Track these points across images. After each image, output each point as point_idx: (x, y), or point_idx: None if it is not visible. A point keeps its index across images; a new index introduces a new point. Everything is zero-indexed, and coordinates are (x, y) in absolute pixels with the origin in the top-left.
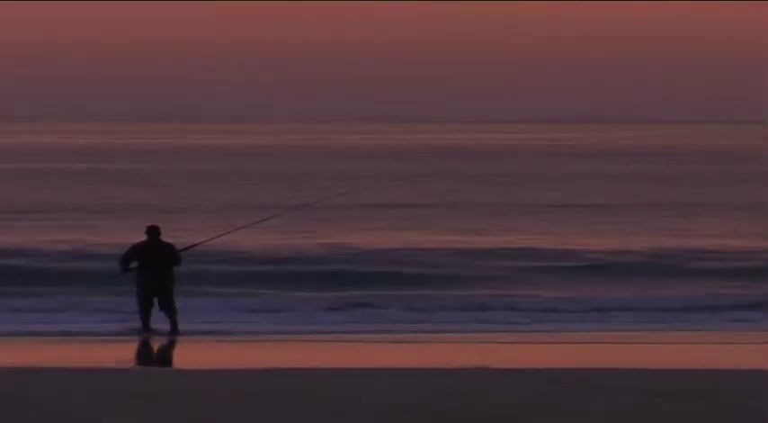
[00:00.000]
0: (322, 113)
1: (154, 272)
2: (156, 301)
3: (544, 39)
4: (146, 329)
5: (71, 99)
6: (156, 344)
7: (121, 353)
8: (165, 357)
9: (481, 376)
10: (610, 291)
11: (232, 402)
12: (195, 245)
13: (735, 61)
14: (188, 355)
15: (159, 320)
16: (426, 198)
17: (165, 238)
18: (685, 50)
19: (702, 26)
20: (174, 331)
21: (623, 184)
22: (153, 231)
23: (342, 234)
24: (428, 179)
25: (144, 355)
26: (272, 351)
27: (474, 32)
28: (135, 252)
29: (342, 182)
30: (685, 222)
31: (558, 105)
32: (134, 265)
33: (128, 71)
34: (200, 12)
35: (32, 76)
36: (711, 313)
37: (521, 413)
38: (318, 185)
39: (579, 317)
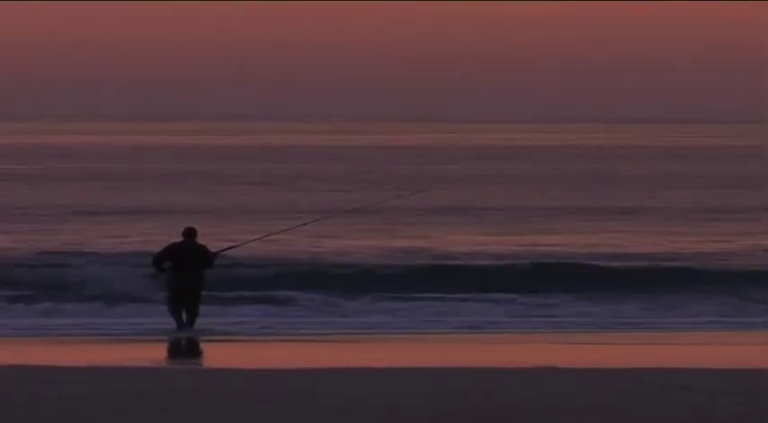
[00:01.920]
0: (322, 114)
1: (185, 273)
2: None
3: (544, 39)
4: (179, 328)
5: (71, 99)
6: (175, 343)
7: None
8: (175, 357)
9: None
10: None
11: (238, 402)
12: (231, 247)
13: (735, 61)
14: (198, 356)
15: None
16: (490, 201)
17: (216, 242)
18: (685, 50)
19: (702, 26)
20: (189, 325)
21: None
22: (189, 233)
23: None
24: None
25: (167, 355)
26: (286, 351)
27: (474, 32)
28: (168, 252)
29: (388, 183)
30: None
31: (557, 106)
32: (167, 265)
33: (127, 71)
34: (200, 12)
35: (32, 76)
36: None
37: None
38: (361, 186)
39: None
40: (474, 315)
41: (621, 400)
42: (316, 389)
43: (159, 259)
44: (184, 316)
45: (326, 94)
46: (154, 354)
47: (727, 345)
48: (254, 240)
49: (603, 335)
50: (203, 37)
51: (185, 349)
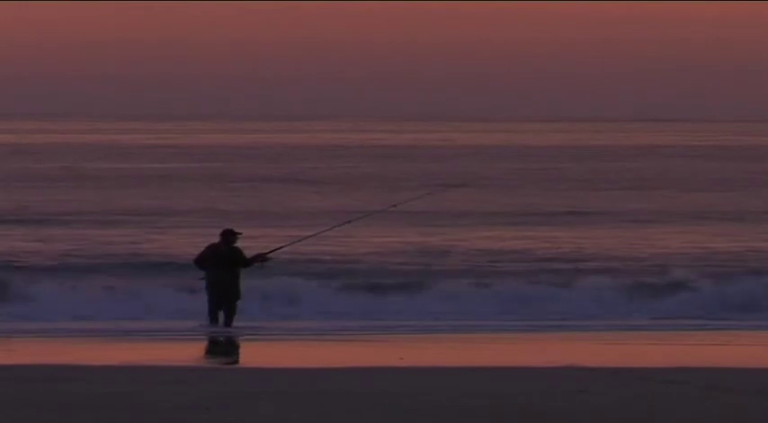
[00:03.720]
0: (322, 113)
1: (219, 274)
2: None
3: (547, 38)
4: (211, 324)
5: (70, 99)
6: (208, 342)
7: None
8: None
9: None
10: None
11: (242, 400)
12: (271, 251)
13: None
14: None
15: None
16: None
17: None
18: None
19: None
20: (226, 325)
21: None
22: (225, 235)
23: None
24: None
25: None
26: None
27: (478, 31)
28: (206, 253)
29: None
30: None
31: (563, 105)
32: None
33: (128, 71)
34: (202, 11)
35: (33, 76)
36: None
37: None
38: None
39: None
40: None
41: (642, 400)
42: (317, 389)
43: (199, 259)
44: (222, 316)
45: (328, 94)
46: (170, 354)
47: None
48: (293, 243)
49: (620, 334)
50: (206, 37)
51: (210, 349)
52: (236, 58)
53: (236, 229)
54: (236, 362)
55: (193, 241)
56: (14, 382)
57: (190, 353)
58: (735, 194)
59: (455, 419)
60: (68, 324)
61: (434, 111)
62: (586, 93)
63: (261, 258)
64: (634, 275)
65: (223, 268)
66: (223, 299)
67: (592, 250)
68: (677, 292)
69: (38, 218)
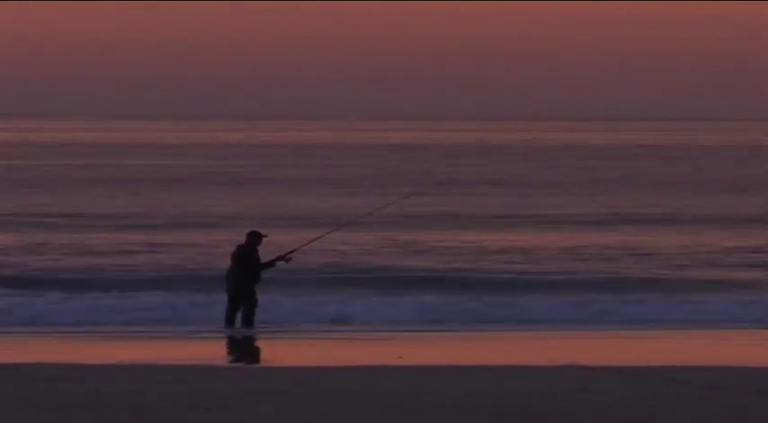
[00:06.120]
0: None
1: (235, 273)
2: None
3: (547, 38)
4: (227, 324)
5: (71, 99)
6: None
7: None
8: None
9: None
10: None
11: (242, 400)
12: (284, 256)
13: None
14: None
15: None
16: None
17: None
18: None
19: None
20: (244, 325)
21: None
22: (249, 236)
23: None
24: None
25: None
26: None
27: (490, 30)
28: (235, 252)
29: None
30: None
31: (563, 104)
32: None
33: (128, 71)
34: (202, 11)
35: (33, 76)
36: None
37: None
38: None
39: None
40: None
41: (642, 400)
42: (317, 389)
43: (231, 257)
44: (239, 316)
45: (328, 94)
46: (170, 353)
47: None
48: (298, 249)
49: (627, 332)
50: (206, 37)
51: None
52: (236, 58)
53: (262, 232)
54: (237, 361)
55: (192, 241)
56: (14, 382)
57: (190, 352)
58: None
59: (455, 419)
60: (68, 325)
61: (434, 111)
62: (586, 93)
63: (281, 259)
64: None
65: (238, 268)
66: (237, 298)
67: None
68: None
69: (36, 218)
